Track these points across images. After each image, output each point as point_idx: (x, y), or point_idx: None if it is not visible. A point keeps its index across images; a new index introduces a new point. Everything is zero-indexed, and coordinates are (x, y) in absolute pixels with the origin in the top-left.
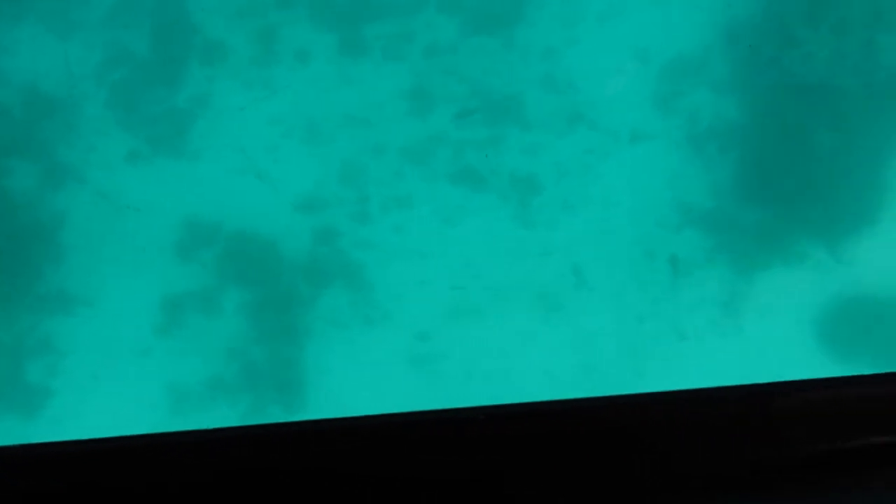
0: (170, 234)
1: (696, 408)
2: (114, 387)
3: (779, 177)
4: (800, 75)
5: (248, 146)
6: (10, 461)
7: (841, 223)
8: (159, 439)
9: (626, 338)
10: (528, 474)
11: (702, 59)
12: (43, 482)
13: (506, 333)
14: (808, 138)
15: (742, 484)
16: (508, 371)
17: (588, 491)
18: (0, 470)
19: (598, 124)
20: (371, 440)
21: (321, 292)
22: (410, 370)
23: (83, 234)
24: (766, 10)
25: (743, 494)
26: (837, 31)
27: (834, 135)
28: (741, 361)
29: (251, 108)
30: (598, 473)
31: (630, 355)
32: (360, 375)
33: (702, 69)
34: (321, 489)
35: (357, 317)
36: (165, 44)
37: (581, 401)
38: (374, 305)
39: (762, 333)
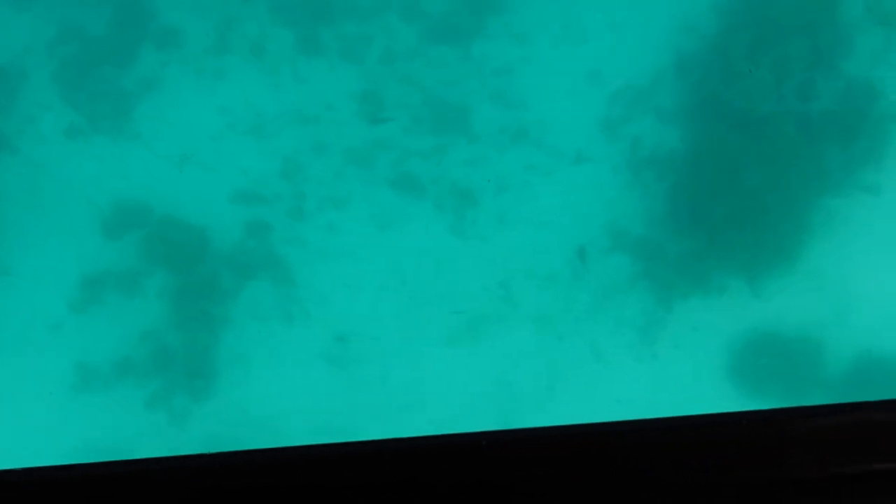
0: (99, 212)
1: (707, 433)
2: (19, 358)
3: (708, 209)
4: (738, 110)
5: (193, 134)
6: None
7: (762, 259)
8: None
9: (544, 355)
10: (529, 498)
11: (651, 88)
12: None
13: (427, 342)
14: (739, 173)
15: None
16: (424, 380)
17: None
18: None
19: (542, 143)
20: (386, 465)
21: (245, 284)
22: (326, 371)
23: (9, 204)
24: (711, 45)
25: None
26: (777, 69)
27: (764, 171)
28: (653, 387)
29: (201, 96)
30: (607, 498)
31: (546, 372)
32: (274, 371)
33: (650, 98)
34: None
35: (278, 312)
36: (122, 25)
37: (587, 426)
38: (296, 303)
39: (676, 361)
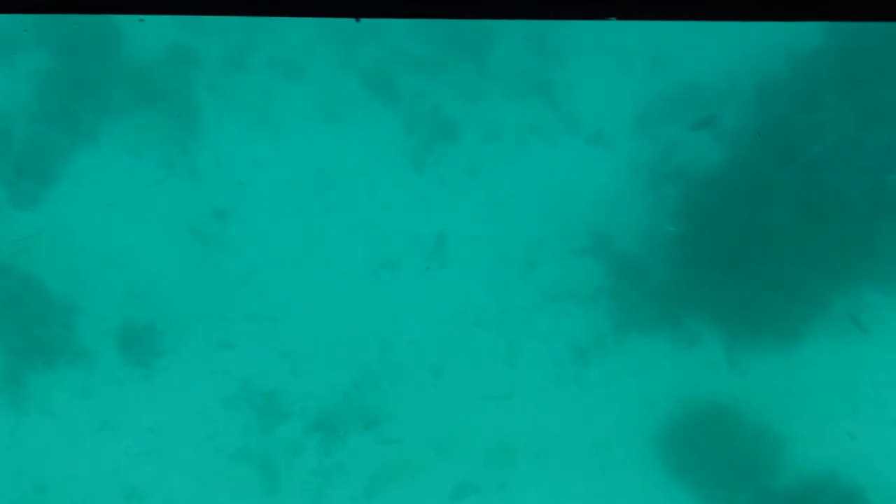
0: None
1: None
2: None
3: (718, 246)
4: (799, 148)
5: None
6: None
7: (755, 326)
8: None
9: (447, 333)
10: None
11: (718, 95)
12: None
13: (318, 263)
14: (771, 218)
15: None
16: (300, 293)
17: None
18: None
19: (560, 106)
20: None
21: (137, 110)
22: (184, 241)
23: None
24: (796, 68)
25: None
26: (864, 115)
27: (801, 227)
28: (557, 418)
29: None
30: None
31: (439, 354)
32: (128, 207)
33: (711, 105)
34: None
35: (159, 155)
36: None
37: None
38: (188, 155)
39: (598, 399)
